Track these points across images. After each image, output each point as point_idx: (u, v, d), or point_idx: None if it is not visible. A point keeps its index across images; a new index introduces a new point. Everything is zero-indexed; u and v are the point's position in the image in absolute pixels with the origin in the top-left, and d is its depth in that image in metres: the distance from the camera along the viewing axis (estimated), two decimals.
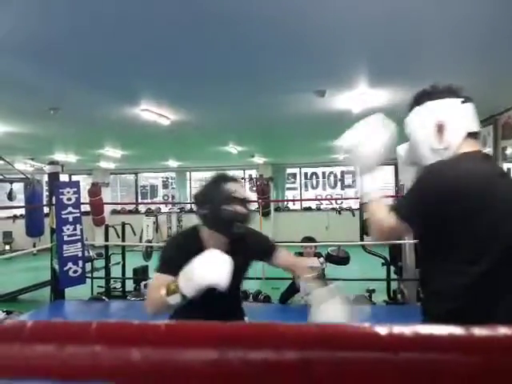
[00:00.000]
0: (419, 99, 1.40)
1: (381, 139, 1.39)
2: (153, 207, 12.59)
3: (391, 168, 11.28)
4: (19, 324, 0.36)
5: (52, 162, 5.36)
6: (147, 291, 1.65)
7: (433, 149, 1.34)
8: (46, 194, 8.59)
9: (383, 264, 5.33)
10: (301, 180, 13.35)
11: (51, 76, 3.76)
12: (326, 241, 5.76)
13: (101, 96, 4.51)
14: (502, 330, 0.34)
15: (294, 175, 13.43)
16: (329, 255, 4.95)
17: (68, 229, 4.50)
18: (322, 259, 4.71)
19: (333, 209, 11.78)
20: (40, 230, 7.97)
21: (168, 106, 5.03)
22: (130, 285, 6.15)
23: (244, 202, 1.68)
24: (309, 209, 12.66)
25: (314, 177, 13.34)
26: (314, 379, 0.35)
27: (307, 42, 3.05)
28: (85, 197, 9.22)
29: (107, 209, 11.61)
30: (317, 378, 0.35)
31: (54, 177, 4.99)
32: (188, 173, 13.75)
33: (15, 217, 11.76)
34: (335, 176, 13.21)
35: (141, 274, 6.14)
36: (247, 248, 1.73)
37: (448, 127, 1.32)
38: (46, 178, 7.76)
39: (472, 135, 1.34)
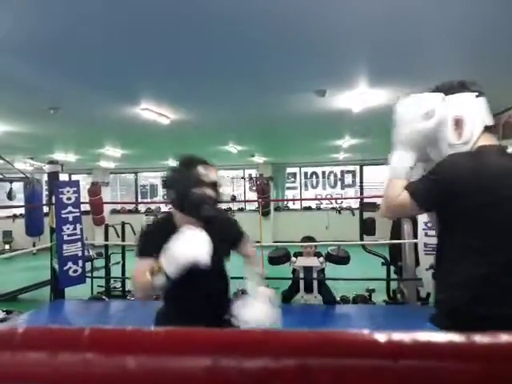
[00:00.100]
0: None
1: (432, 122, 1.33)
2: (153, 207, 12.59)
3: None
4: (10, 331, 0.36)
5: (52, 162, 5.36)
6: (133, 276, 1.69)
7: (451, 144, 1.33)
8: (45, 193, 8.59)
9: (383, 264, 5.33)
10: (301, 179, 13.34)
11: (51, 75, 3.75)
12: (325, 240, 5.75)
13: (101, 95, 4.50)
14: (503, 337, 0.34)
15: (294, 174, 13.42)
16: (329, 255, 4.94)
17: (68, 228, 4.50)
18: (321, 259, 4.70)
19: (333, 208, 11.79)
20: (39, 230, 7.97)
21: (168, 105, 5.02)
22: (129, 284, 6.15)
23: (213, 185, 1.70)
24: (309, 208, 12.66)
25: (314, 176, 13.33)
26: None
27: (308, 41, 3.04)
28: (85, 196, 9.22)
29: (107, 208, 11.62)
30: None
31: (53, 176, 4.99)
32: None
33: (15, 216, 11.76)
34: (335, 175, 13.21)
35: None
36: (221, 232, 1.74)
37: (466, 122, 1.32)
38: (45, 177, 7.76)
39: (487, 129, 1.34)
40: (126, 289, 5.94)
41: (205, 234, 1.49)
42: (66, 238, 4.49)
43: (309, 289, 4.56)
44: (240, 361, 0.35)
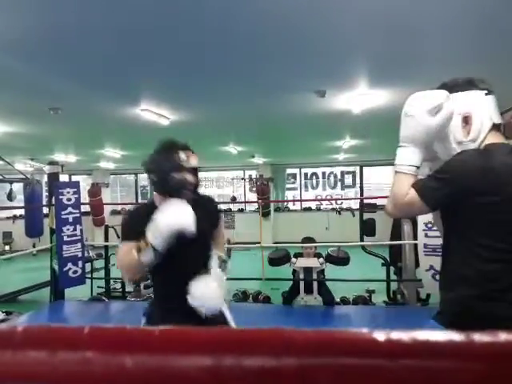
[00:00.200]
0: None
1: (439, 117, 1.31)
2: None
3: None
4: (10, 330, 0.36)
5: (52, 163, 5.37)
6: (118, 259, 1.72)
7: (459, 141, 1.33)
8: (45, 194, 8.59)
9: (383, 264, 5.33)
10: (301, 180, 13.35)
11: (51, 76, 3.75)
12: (325, 241, 5.75)
13: (101, 96, 4.50)
14: (503, 336, 0.34)
15: (294, 175, 13.43)
16: (329, 256, 4.94)
17: (68, 229, 4.50)
18: (321, 259, 4.70)
19: (333, 209, 11.80)
20: (39, 231, 7.97)
21: (168, 106, 5.02)
22: (129, 285, 6.14)
23: (193, 170, 1.73)
24: (309, 209, 12.67)
25: (314, 177, 13.33)
26: None
27: (308, 42, 3.05)
28: (85, 197, 9.22)
29: (107, 209, 11.62)
30: None
31: (53, 177, 4.99)
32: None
33: (15, 217, 11.76)
34: (335, 176, 13.21)
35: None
36: (205, 213, 1.76)
37: (474, 119, 1.32)
38: (45, 178, 7.76)
39: (496, 127, 1.34)
40: (126, 290, 5.95)
41: (186, 203, 1.52)
42: (65, 238, 4.49)
43: (309, 290, 4.56)
44: (240, 360, 0.35)
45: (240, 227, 10.52)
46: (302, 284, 4.58)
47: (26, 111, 5.07)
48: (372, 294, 5.51)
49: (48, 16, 2.52)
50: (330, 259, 4.90)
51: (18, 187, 9.40)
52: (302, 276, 4.61)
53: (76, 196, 4.55)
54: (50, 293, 4.93)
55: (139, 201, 13.89)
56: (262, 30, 2.83)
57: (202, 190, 1.93)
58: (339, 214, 11.42)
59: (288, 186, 13.41)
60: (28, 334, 0.35)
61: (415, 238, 4.28)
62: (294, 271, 4.79)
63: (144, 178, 14.34)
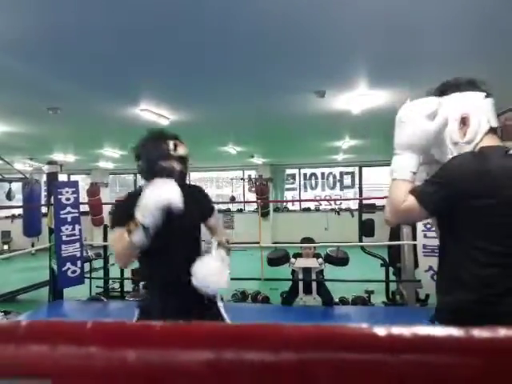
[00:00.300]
0: (443, 91, 1.38)
1: (435, 123, 1.31)
2: None
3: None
4: (13, 324, 0.36)
5: (51, 162, 5.35)
6: (111, 245, 1.73)
7: (454, 142, 1.33)
8: (44, 193, 8.58)
9: (382, 265, 5.33)
10: (300, 180, 13.35)
11: (51, 76, 3.75)
12: (324, 241, 5.75)
13: (100, 96, 4.50)
14: (503, 332, 0.34)
15: (293, 176, 13.43)
16: (328, 256, 4.94)
17: (67, 229, 4.49)
18: (320, 260, 4.70)
19: (332, 209, 11.81)
20: (37, 230, 7.95)
21: (167, 106, 5.02)
22: (128, 285, 6.15)
23: (181, 159, 1.76)
24: (308, 209, 12.67)
25: (313, 177, 13.34)
26: (312, 381, 0.35)
27: (308, 42, 3.05)
28: (84, 197, 9.21)
29: (106, 209, 11.59)
30: (314, 380, 0.35)
31: (52, 177, 4.98)
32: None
33: (13, 216, 11.74)
34: (334, 177, 13.22)
35: (139, 275, 6.13)
36: (193, 200, 1.78)
37: (472, 121, 1.32)
38: (44, 177, 7.75)
39: (492, 130, 1.34)
40: (125, 290, 5.94)
41: (174, 183, 1.54)
42: (64, 238, 4.48)
43: (308, 290, 4.55)
44: (240, 354, 0.35)
45: (239, 227, 10.52)
46: (301, 284, 4.58)
47: (26, 111, 5.07)
48: (371, 294, 5.51)
49: (48, 16, 2.52)
50: (329, 259, 4.90)
51: (16, 186, 9.39)
52: (301, 276, 4.60)
53: (75, 196, 4.54)
54: (48, 292, 4.92)
55: None
56: (262, 30, 2.83)
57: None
58: (338, 214, 11.43)
59: (287, 186, 13.41)
60: (31, 329, 0.35)
61: (414, 238, 4.28)
62: (293, 271, 4.79)
63: None
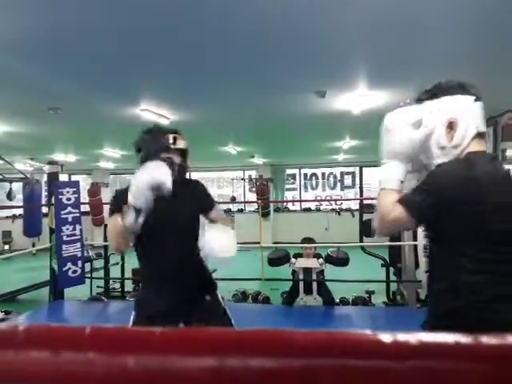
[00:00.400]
0: (432, 94, 1.37)
1: (421, 131, 1.31)
2: None
3: None
4: (12, 329, 0.35)
5: (51, 162, 5.35)
6: (107, 232, 1.76)
7: (441, 147, 1.32)
8: (45, 193, 8.57)
9: (383, 265, 5.32)
10: (300, 181, 13.34)
11: (51, 76, 3.75)
12: (325, 242, 5.75)
13: (100, 96, 4.50)
14: (510, 339, 0.33)
15: (294, 176, 13.43)
16: (328, 256, 4.93)
17: (67, 229, 4.49)
18: (321, 260, 4.70)
19: (332, 210, 11.80)
20: (38, 230, 7.94)
21: (167, 106, 5.02)
22: (129, 285, 6.14)
23: (181, 152, 1.81)
24: (308, 210, 12.66)
25: (314, 177, 13.33)
26: None
27: (308, 42, 3.04)
28: (84, 197, 9.20)
29: (106, 209, 11.58)
30: None
31: (53, 177, 4.98)
32: (187, 173, 13.73)
33: (14, 216, 11.74)
34: (335, 177, 13.21)
35: (140, 275, 6.12)
36: (191, 192, 1.84)
37: (460, 125, 1.30)
38: (45, 177, 7.74)
39: (479, 135, 1.33)
40: (125, 290, 5.94)
41: (164, 164, 1.57)
42: (65, 238, 4.48)
43: (308, 290, 4.55)
44: (242, 360, 0.34)
45: (239, 227, 10.52)
46: (301, 284, 4.58)
47: (26, 111, 5.06)
48: (371, 294, 5.50)
49: (48, 16, 2.52)
50: (329, 260, 4.90)
51: (17, 186, 9.38)
52: (301, 276, 4.60)
53: (76, 196, 4.54)
54: (49, 292, 4.91)
55: None
56: (262, 30, 2.82)
57: None
58: (339, 214, 11.42)
59: (287, 186, 13.40)
60: (30, 334, 0.35)
61: (415, 239, 4.27)
62: (294, 272, 4.78)
63: None
